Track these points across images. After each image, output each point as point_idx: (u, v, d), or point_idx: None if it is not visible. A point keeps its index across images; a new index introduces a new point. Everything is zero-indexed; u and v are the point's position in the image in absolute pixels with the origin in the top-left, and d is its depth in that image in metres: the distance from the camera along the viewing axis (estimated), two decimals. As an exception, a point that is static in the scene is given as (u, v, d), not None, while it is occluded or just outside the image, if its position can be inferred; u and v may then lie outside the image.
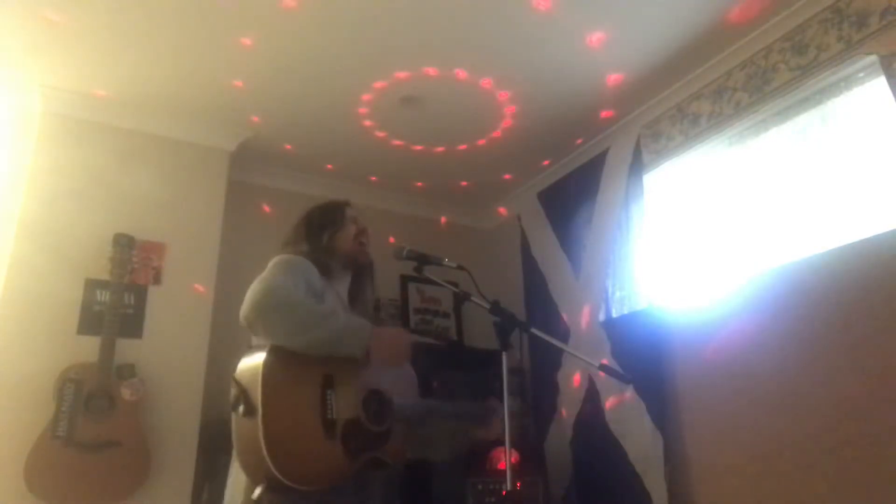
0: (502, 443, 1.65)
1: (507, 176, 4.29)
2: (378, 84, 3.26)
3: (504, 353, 1.79)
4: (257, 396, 1.47)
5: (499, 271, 4.40)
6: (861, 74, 2.59)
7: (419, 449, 1.94)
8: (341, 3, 2.71)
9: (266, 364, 1.51)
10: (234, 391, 1.54)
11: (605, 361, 3.20)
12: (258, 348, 1.59)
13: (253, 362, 1.56)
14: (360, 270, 2.03)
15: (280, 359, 1.55)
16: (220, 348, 3.31)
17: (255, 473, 1.50)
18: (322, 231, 1.97)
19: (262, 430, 1.44)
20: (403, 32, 2.89)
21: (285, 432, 1.48)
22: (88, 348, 2.94)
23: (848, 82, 2.65)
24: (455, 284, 2.07)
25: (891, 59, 2.39)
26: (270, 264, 1.76)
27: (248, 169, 3.95)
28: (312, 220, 2.01)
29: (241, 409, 1.50)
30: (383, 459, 1.70)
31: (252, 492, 1.49)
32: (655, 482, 2.94)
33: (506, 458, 1.69)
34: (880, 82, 2.47)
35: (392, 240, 3.93)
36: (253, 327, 1.59)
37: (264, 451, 1.43)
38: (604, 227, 3.54)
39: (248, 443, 1.49)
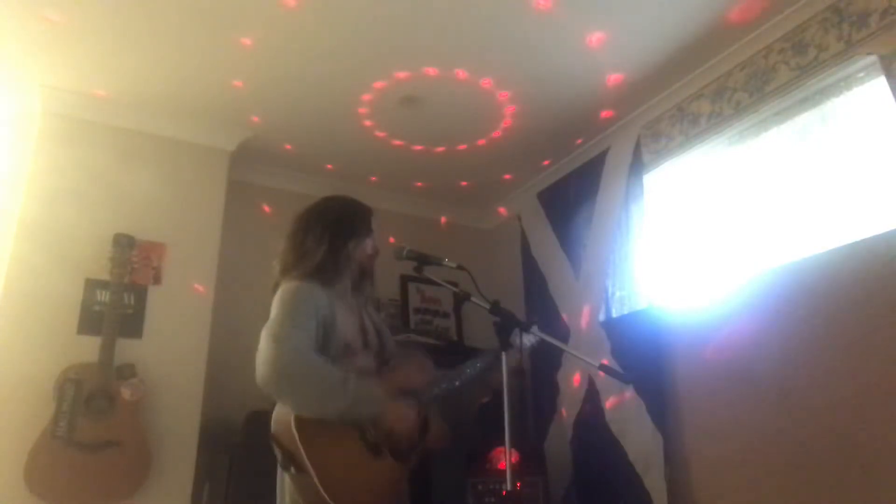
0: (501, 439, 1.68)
1: (507, 176, 4.29)
2: (378, 84, 3.26)
3: (504, 353, 1.79)
4: (302, 457, 1.53)
5: (499, 271, 4.40)
6: (861, 74, 2.59)
7: (453, 419, 1.98)
8: (341, 4, 2.71)
9: (297, 422, 1.57)
10: (278, 452, 1.61)
11: (605, 361, 3.20)
12: None
13: (284, 416, 1.61)
14: (362, 276, 2.01)
15: None
16: (220, 348, 3.32)
17: None
18: (349, 237, 1.92)
19: (321, 484, 1.51)
20: (403, 32, 2.89)
21: (341, 475, 1.56)
22: (88, 348, 2.94)
23: (848, 82, 2.65)
24: (455, 284, 2.07)
25: (891, 59, 2.39)
26: (277, 302, 1.74)
27: (248, 169, 3.95)
28: (342, 221, 1.94)
29: (292, 469, 1.58)
30: (430, 448, 1.77)
31: None
32: (655, 482, 2.94)
33: (506, 458, 1.69)
34: (880, 82, 2.47)
35: (392, 240, 3.92)
36: (270, 393, 1.62)
37: (329, 501, 1.51)
38: (604, 227, 3.54)
39: (311, 495, 1.55)
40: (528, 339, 2.02)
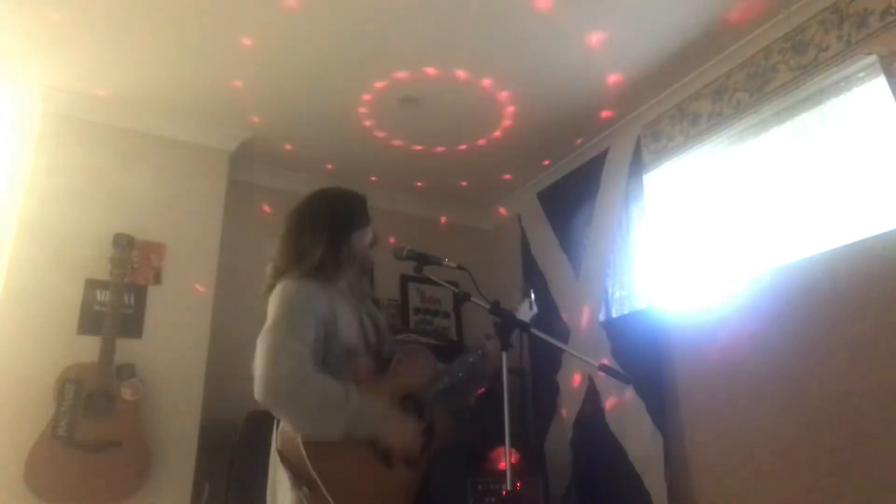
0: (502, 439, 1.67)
1: (507, 176, 4.29)
2: (378, 84, 3.26)
3: (504, 353, 1.79)
4: (313, 475, 1.50)
5: (499, 271, 4.40)
6: (861, 74, 2.59)
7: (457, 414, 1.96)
8: (341, 4, 2.71)
9: (304, 440, 1.53)
10: (288, 472, 1.57)
11: (605, 361, 3.20)
12: None
13: (289, 435, 1.59)
14: (360, 276, 1.98)
15: None
16: (220, 348, 3.32)
17: None
18: (348, 230, 1.87)
19: (334, 501, 1.48)
20: (403, 32, 2.89)
21: (354, 488, 1.53)
22: (88, 348, 2.94)
23: (848, 82, 2.65)
24: (455, 284, 2.07)
25: (891, 59, 2.39)
26: (275, 303, 1.69)
27: (248, 169, 3.95)
28: (337, 214, 1.89)
29: (305, 490, 1.54)
30: (438, 448, 1.75)
31: None
32: (655, 482, 2.94)
33: (506, 458, 1.69)
34: (880, 82, 2.47)
35: (392, 240, 3.92)
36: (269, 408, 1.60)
37: None
38: (604, 227, 3.54)
39: None
40: (526, 311, 2.00)
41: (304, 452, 1.51)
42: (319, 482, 1.49)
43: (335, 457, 1.54)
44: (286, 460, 1.58)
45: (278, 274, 1.80)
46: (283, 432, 1.62)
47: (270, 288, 1.78)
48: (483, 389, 2.00)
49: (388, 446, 1.63)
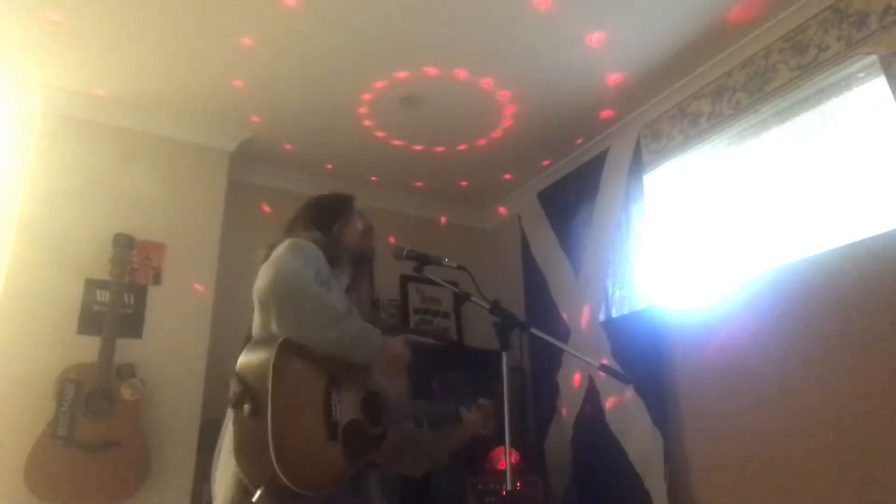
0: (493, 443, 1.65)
1: (507, 176, 4.29)
2: (378, 84, 3.26)
3: (504, 353, 1.79)
4: (267, 397, 1.41)
5: (499, 271, 4.40)
6: (861, 74, 2.59)
7: (395, 457, 1.92)
8: (341, 3, 2.71)
9: (276, 363, 1.45)
10: (235, 388, 1.48)
11: (605, 361, 3.20)
12: (262, 343, 1.53)
13: (258, 359, 1.50)
14: (360, 266, 1.97)
15: (289, 357, 1.49)
16: (220, 348, 3.31)
17: (255, 475, 1.44)
18: (331, 221, 1.91)
19: (272, 433, 1.38)
20: (403, 32, 2.89)
21: (293, 435, 1.44)
22: (88, 348, 2.94)
23: (848, 82, 2.65)
24: (455, 284, 2.07)
25: (891, 59, 2.39)
26: (285, 246, 1.69)
27: (248, 169, 3.95)
28: (321, 210, 1.96)
29: (246, 408, 1.44)
30: (377, 461, 1.68)
31: (244, 492, 1.45)
32: (655, 482, 2.94)
33: (506, 458, 1.69)
34: (880, 82, 2.47)
35: (392, 240, 3.92)
36: (265, 307, 1.54)
37: (272, 455, 1.37)
38: (604, 227, 3.54)
39: (251, 444, 1.43)
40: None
41: (270, 373, 1.43)
42: (270, 404, 1.40)
43: (295, 393, 1.48)
44: (241, 379, 1.48)
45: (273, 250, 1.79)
46: (251, 358, 1.53)
47: (266, 257, 1.75)
48: (451, 452, 1.96)
49: (383, 366, 1.63)
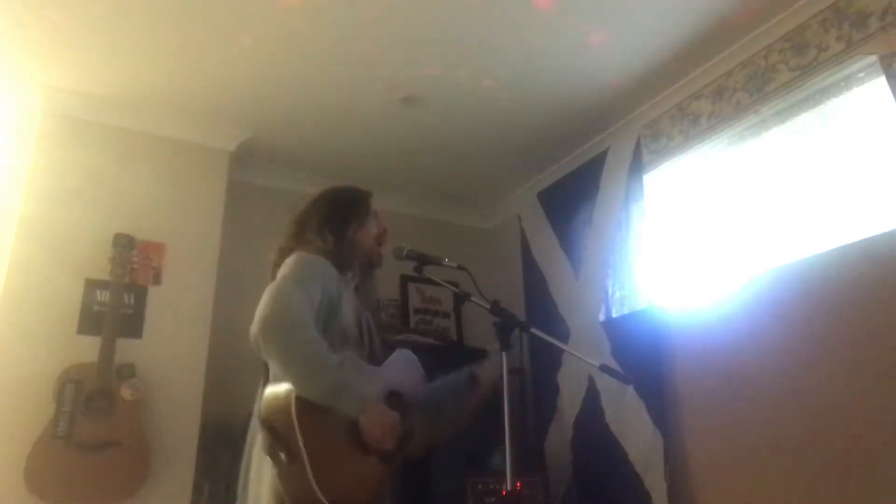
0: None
1: (506, 176, 4.29)
2: (378, 84, 3.26)
3: (504, 353, 1.79)
4: (298, 443, 1.45)
5: (499, 271, 4.40)
6: (861, 74, 2.59)
7: (441, 434, 1.94)
8: (341, 3, 2.71)
9: (298, 411, 1.48)
10: (267, 438, 1.52)
11: (605, 362, 3.19)
12: (279, 381, 1.55)
13: (279, 402, 1.52)
14: (368, 268, 1.97)
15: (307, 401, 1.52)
16: (220, 348, 3.31)
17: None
18: (347, 223, 1.87)
19: (313, 475, 1.43)
20: (403, 32, 2.89)
21: (333, 468, 1.49)
22: (88, 348, 2.94)
23: (848, 82, 2.65)
24: (455, 284, 2.06)
25: (891, 59, 2.39)
26: (290, 265, 1.68)
27: (248, 169, 3.94)
28: (337, 208, 1.90)
29: (282, 456, 1.49)
30: (411, 456, 1.71)
31: None
32: (655, 482, 2.94)
33: (506, 458, 1.69)
34: (880, 82, 2.47)
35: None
36: (258, 348, 1.55)
37: (318, 495, 1.43)
38: (604, 227, 3.54)
39: (297, 485, 1.48)
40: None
41: (294, 419, 1.46)
42: (304, 450, 1.45)
43: (322, 429, 1.50)
44: (270, 426, 1.52)
45: (284, 254, 1.78)
46: (273, 398, 1.55)
47: (276, 265, 1.76)
48: (474, 412, 1.97)
49: (365, 433, 1.56)
